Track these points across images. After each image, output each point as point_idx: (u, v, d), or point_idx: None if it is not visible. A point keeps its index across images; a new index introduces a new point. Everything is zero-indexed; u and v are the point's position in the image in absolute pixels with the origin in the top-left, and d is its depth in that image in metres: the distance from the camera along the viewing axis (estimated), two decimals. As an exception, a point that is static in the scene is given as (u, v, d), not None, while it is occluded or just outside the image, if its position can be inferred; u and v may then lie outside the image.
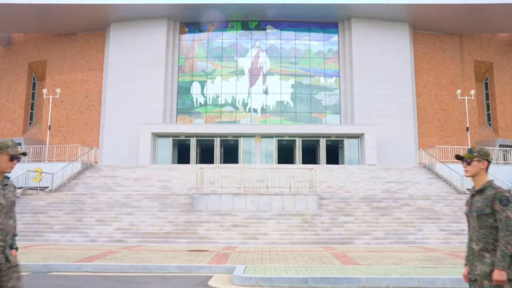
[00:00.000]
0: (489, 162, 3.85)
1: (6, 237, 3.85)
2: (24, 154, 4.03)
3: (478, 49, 37.80)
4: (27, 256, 11.61)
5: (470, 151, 3.89)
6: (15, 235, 4.00)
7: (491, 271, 3.59)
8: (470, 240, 3.82)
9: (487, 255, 3.66)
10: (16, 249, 4.00)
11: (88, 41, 36.81)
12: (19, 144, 33.06)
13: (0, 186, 3.88)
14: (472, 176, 3.86)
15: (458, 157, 3.99)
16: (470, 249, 3.82)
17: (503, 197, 3.65)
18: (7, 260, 3.81)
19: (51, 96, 31.64)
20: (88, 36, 36.88)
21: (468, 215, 3.86)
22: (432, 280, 8.52)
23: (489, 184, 3.77)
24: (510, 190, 22.56)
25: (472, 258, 3.78)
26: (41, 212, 19.54)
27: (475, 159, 3.84)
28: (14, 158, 3.94)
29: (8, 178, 4.01)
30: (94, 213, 19.53)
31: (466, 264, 3.91)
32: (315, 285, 8.55)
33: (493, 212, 3.67)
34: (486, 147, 3.90)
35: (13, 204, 3.96)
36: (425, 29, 36.36)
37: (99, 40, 36.60)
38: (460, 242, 16.74)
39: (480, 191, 3.79)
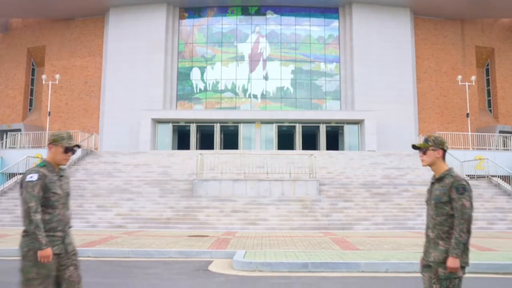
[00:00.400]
0: (444, 150, 3.89)
1: (65, 227, 3.91)
2: (78, 146, 4.04)
3: (480, 35, 37.53)
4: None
5: (426, 140, 3.92)
6: (70, 226, 4.06)
7: (445, 258, 3.64)
8: (427, 227, 3.86)
9: (441, 242, 3.71)
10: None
11: (87, 26, 36.55)
12: (19, 130, 33.06)
13: (57, 177, 3.92)
14: (429, 166, 3.91)
15: (414, 147, 4.03)
16: (426, 236, 3.87)
17: (459, 186, 3.69)
18: (66, 251, 3.87)
19: (50, 82, 31.52)
20: (87, 21, 36.61)
21: (427, 202, 3.91)
22: (430, 265, 8.57)
23: (448, 173, 3.81)
24: (509, 177, 22.59)
25: (428, 245, 3.83)
26: (42, 198, 19.58)
27: (430, 148, 3.87)
28: (69, 150, 3.95)
29: (62, 169, 4.04)
30: (95, 199, 19.60)
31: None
32: (315, 270, 8.61)
33: (450, 200, 3.71)
34: (441, 137, 3.94)
35: (68, 195, 4.02)
36: (426, 14, 36.06)
37: (98, 25, 36.33)
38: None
39: (440, 179, 3.83)
